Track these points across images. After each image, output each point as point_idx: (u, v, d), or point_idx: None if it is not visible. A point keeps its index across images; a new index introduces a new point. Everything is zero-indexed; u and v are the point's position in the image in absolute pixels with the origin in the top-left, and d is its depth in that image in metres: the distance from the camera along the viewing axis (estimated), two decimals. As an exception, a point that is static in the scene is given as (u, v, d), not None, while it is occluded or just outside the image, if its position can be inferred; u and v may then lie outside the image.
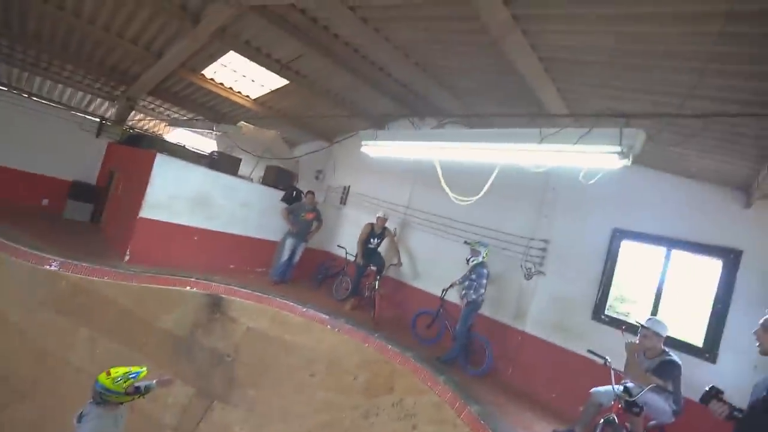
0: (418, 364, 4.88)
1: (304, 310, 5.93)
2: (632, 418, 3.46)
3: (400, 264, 6.82)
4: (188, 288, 5.79)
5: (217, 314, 5.76)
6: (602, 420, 3.43)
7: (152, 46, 6.64)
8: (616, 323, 4.62)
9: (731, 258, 4.06)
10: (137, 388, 2.96)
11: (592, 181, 2.94)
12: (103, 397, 2.81)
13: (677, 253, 4.55)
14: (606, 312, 4.90)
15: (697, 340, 4.22)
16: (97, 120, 8.63)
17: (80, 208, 7.99)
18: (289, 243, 6.99)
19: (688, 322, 5.08)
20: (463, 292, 5.30)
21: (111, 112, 9.14)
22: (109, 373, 2.85)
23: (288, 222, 6.92)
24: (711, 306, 4.16)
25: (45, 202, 7.97)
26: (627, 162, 2.68)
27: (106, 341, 4.95)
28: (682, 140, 3.16)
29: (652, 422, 3.63)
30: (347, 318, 5.90)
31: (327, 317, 5.83)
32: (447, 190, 3.89)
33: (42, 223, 6.95)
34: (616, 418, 3.36)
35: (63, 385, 4.50)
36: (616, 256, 4.91)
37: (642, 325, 3.67)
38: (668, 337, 3.74)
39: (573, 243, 5.24)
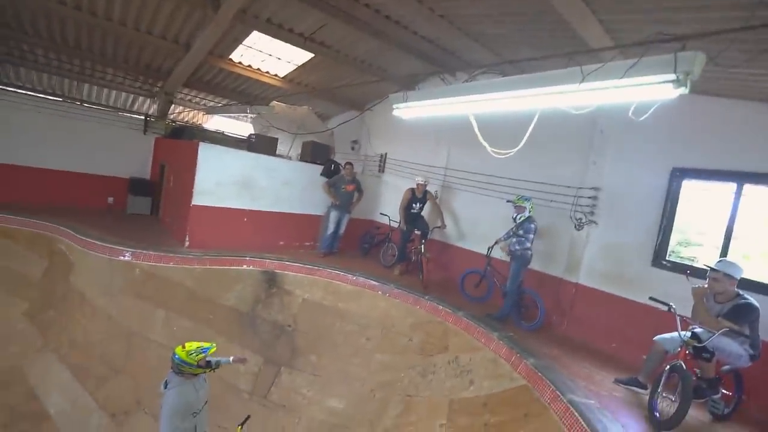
0: (471, 323, 4.94)
1: (354, 278, 6.13)
2: (702, 363, 3.32)
3: (444, 226, 6.78)
4: (244, 266, 6.17)
5: (274, 288, 6.12)
6: (668, 366, 3.31)
7: (180, 38, 6.79)
8: (680, 268, 4.34)
9: (816, 187, 3.61)
10: (208, 362, 3.28)
11: (643, 117, 2.67)
12: (180, 368, 3.15)
13: (750, 188, 4.11)
14: (668, 257, 4.62)
15: (775, 278, 3.89)
16: (142, 117, 9.12)
17: (140, 203, 8.65)
18: (334, 215, 7.15)
19: (760, 264, 4.68)
20: (510, 246, 5.21)
21: (153, 109, 9.60)
22: (184, 347, 3.18)
23: (330, 195, 7.05)
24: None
25: (110, 200, 8.69)
26: (684, 90, 2.37)
27: (179, 319, 5.46)
28: (749, 59, 2.76)
29: (726, 367, 3.46)
30: (396, 283, 6.03)
31: (377, 283, 6.00)
32: (485, 144, 3.72)
33: (110, 219, 7.63)
34: (683, 364, 3.22)
35: (150, 359, 5.07)
36: (677, 197, 4.55)
37: (711, 268, 3.42)
38: (743, 279, 3.48)
39: (627, 188, 4.91)
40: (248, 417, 3.73)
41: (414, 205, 6.77)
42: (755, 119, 3.98)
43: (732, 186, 4.18)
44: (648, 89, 2.56)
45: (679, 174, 4.52)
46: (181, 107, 10.44)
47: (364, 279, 6.10)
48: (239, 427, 3.62)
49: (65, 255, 6.02)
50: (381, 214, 8.02)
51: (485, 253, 5.80)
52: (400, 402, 4.72)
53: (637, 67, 2.50)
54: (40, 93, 8.63)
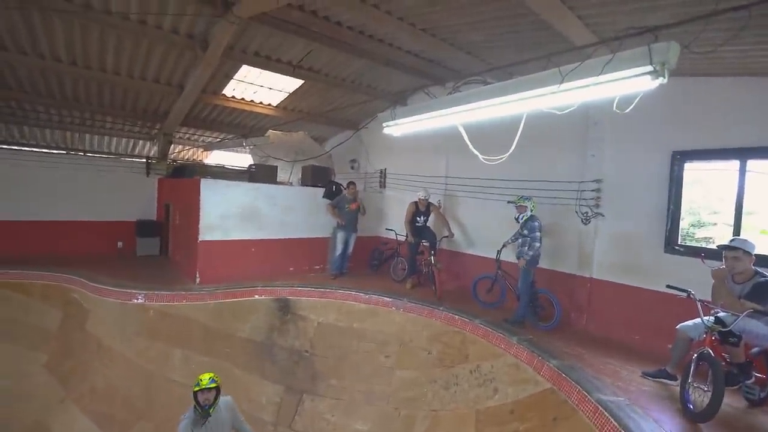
0: (489, 329, 4.87)
1: (367, 296, 6.10)
2: (730, 348, 3.22)
3: (451, 235, 6.76)
4: (256, 296, 6.18)
5: (288, 315, 6.10)
6: (695, 355, 3.22)
7: (173, 80, 6.98)
8: (694, 251, 4.26)
9: (820, 155, 3.56)
10: (211, 403, 3.22)
11: (628, 109, 2.69)
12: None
13: (754, 163, 4.06)
14: (680, 242, 4.55)
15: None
16: (144, 160, 9.31)
17: (149, 244, 8.75)
18: (341, 236, 7.17)
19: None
20: (518, 249, 5.18)
21: (154, 151, 9.80)
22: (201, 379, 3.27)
23: (334, 216, 7.09)
24: (804, 212, 3.71)
25: (120, 244, 8.81)
26: (663, 80, 2.38)
27: (197, 356, 5.46)
28: (731, 36, 2.76)
29: (755, 349, 3.36)
30: (409, 297, 5.99)
31: (390, 299, 5.96)
32: (476, 152, 3.75)
33: (121, 263, 7.73)
34: (711, 351, 3.13)
35: (171, 399, 5.05)
36: (681, 180, 4.50)
37: (728, 247, 3.34)
38: (761, 256, 3.40)
39: (629, 177, 4.87)
40: None
41: (418, 218, 6.77)
42: (749, 94, 3.96)
43: (735, 163, 4.13)
44: (627, 83, 2.59)
45: (679, 157, 4.48)
46: (180, 146, 10.64)
47: (377, 296, 6.07)
48: None
49: (80, 304, 6.09)
50: (387, 229, 8.02)
51: (495, 257, 5.76)
52: (426, 417, 4.63)
53: (613, 62, 2.52)
54: (44, 148, 8.88)
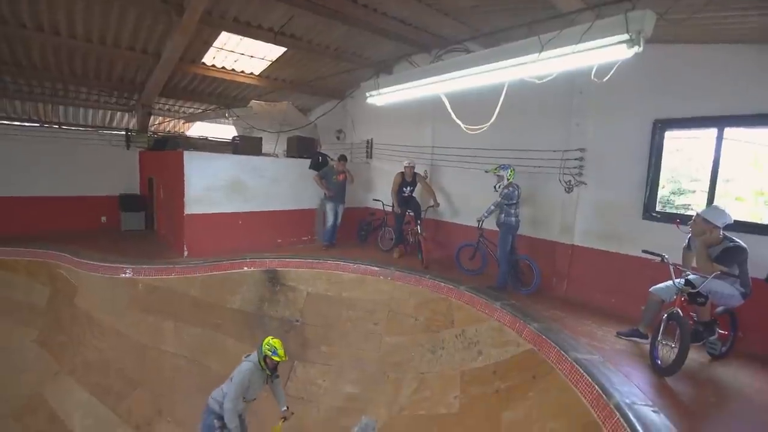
0: (473, 295, 5.04)
1: (355, 266, 6.20)
2: (697, 308, 3.43)
3: (437, 205, 6.83)
4: (245, 268, 6.23)
5: (278, 286, 6.19)
6: (665, 315, 3.41)
7: (148, 47, 6.68)
8: (670, 218, 4.42)
9: (793, 122, 3.66)
10: (274, 367, 3.73)
11: (605, 78, 2.71)
12: (257, 352, 3.68)
13: (731, 131, 4.16)
14: (658, 209, 4.70)
15: (765, 218, 3.97)
16: (123, 133, 9.02)
17: (134, 218, 8.64)
18: (330, 207, 7.21)
19: (753, 203, 4.77)
20: (490, 215, 5.33)
21: (133, 123, 9.49)
22: (272, 339, 3.70)
23: (322, 187, 7.07)
24: (775, 179, 3.85)
25: (104, 219, 8.67)
26: (638, 49, 2.40)
27: (188, 328, 5.55)
28: (708, 1, 2.76)
29: (720, 308, 3.58)
30: (397, 265, 6.11)
31: (378, 268, 6.07)
32: (459, 122, 3.76)
33: (106, 238, 7.64)
34: (680, 311, 3.33)
35: (165, 370, 5.19)
36: (661, 149, 4.59)
37: (697, 215, 3.50)
38: (738, 222, 3.56)
39: (612, 145, 4.94)
40: (285, 418, 3.89)
41: (405, 188, 6.80)
42: (728, 62, 3.99)
43: (713, 131, 4.22)
44: (604, 51, 2.60)
45: (660, 125, 4.55)
46: (161, 118, 10.32)
47: (365, 266, 6.18)
48: (280, 424, 3.86)
49: (67, 279, 6.06)
50: (374, 200, 8.06)
51: (477, 225, 5.87)
52: (414, 380, 4.85)
53: (592, 30, 2.52)
54: (15, 121, 8.51)
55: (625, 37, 2.36)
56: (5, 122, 8.21)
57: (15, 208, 7.61)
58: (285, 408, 3.89)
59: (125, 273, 5.79)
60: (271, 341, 3.69)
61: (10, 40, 6.08)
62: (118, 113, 9.62)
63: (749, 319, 3.66)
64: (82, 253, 6.21)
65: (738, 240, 3.40)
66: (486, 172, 5.61)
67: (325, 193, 7.11)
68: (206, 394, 3.88)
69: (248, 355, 3.78)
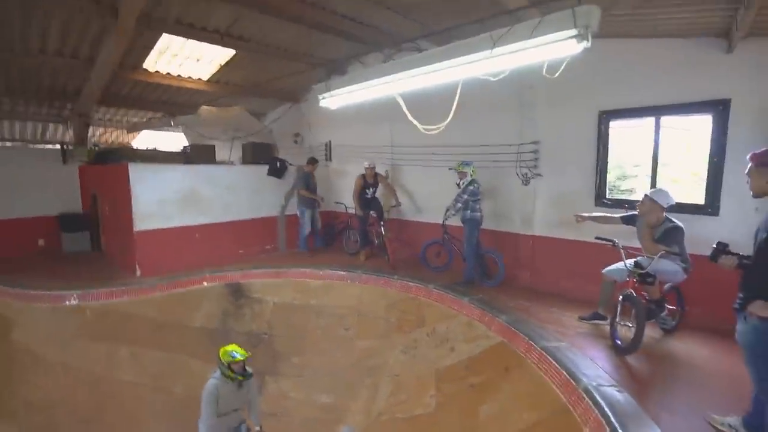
0: (442, 292, 5.09)
1: (321, 272, 6.08)
2: (647, 287, 3.64)
3: (399, 204, 6.85)
4: (205, 284, 5.93)
5: (242, 299, 5.94)
6: (621, 296, 3.60)
7: (80, 52, 6.15)
8: (619, 204, 4.68)
9: (720, 109, 3.96)
10: (244, 371, 3.59)
11: (556, 74, 2.80)
12: (218, 366, 3.55)
13: (667, 120, 4.46)
14: (608, 196, 4.95)
15: (700, 198, 4.28)
16: (58, 146, 8.28)
17: (77, 239, 7.96)
18: (308, 213, 7.22)
19: (689, 184, 5.14)
20: (458, 213, 5.41)
21: (69, 135, 8.74)
22: (225, 346, 3.62)
23: (312, 196, 7.16)
24: (707, 161, 4.16)
25: (41, 242, 7.93)
26: (587, 44, 2.51)
27: (148, 352, 5.18)
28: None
29: (667, 285, 3.82)
30: (364, 268, 6.06)
31: (345, 273, 5.99)
32: (415, 122, 3.76)
33: (45, 263, 6.99)
34: (633, 291, 3.52)
35: (125, 401, 4.81)
36: (607, 138, 4.84)
37: (645, 196, 3.71)
38: (679, 204, 3.80)
39: (563, 137, 5.15)
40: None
41: (367, 190, 6.77)
42: (663, 55, 4.26)
43: (651, 120, 4.51)
44: (555, 47, 2.68)
45: (605, 116, 4.80)
46: (101, 128, 9.59)
47: (332, 271, 6.08)
48: None
49: (0, 314, 5.46)
50: (336, 202, 7.94)
51: (441, 222, 5.93)
52: (389, 382, 4.82)
53: (541, 26, 2.59)
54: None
55: (574, 32, 2.44)
56: None
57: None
58: (258, 428, 3.73)
59: (70, 300, 5.32)
60: (226, 348, 3.60)
61: None
62: (51, 125, 8.83)
63: (693, 295, 3.94)
64: (17, 283, 5.63)
65: (676, 220, 3.64)
66: (450, 169, 5.67)
67: (300, 200, 7.17)
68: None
69: (213, 372, 3.67)
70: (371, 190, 6.80)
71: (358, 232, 7.09)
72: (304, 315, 5.75)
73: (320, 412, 4.90)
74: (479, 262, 5.55)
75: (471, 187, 5.28)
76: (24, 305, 5.33)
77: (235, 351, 3.55)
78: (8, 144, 8.24)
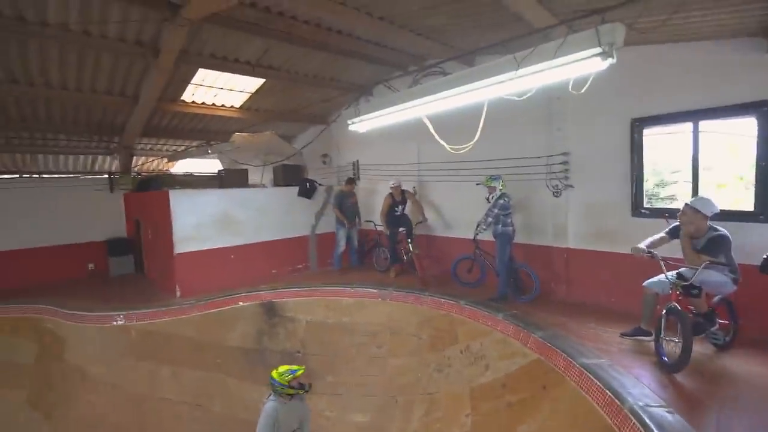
0: (474, 309, 4.99)
1: (353, 290, 6.12)
2: (693, 300, 3.45)
3: (425, 220, 6.86)
4: (240, 303, 6.10)
5: (275, 318, 6.06)
6: (664, 310, 3.42)
7: (126, 90, 6.66)
8: (658, 213, 4.49)
9: (765, 111, 3.78)
10: (301, 385, 3.64)
11: (582, 90, 2.78)
12: (275, 389, 3.55)
13: (706, 124, 4.29)
14: (645, 205, 4.77)
15: (748, 204, 4.05)
16: (106, 176, 8.90)
17: (123, 263, 8.45)
18: (342, 233, 7.43)
19: (736, 189, 4.88)
20: (489, 227, 5.34)
21: (115, 165, 9.38)
22: (276, 369, 3.63)
23: (341, 217, 7.35)
24: (755, 165, 3.95)
25: (91, 266, 8.46)
26: (612, 60, 2.49)
27: (187, 371, 5.36)
28: (679, 5, 2.87)
29: (716, 297, 3.60)
30: (395, 286, 6.06)
31: (376, 290, 6.00)
32: (442, 142, 3.81)
33: (94, 286, 7.44)
34: (677, 305, 3.34)
35: (165, 419, 4.97)
36: (641, 146, 4.70)
37: (686, 205, 3.54)
38: (723, 211, 3.62)
39: (594, 147, 5.04)
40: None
41: (396, 208, 6.85)
42: (696, 58, 4.14)
43: (688, 126, 4.35)
44: (579, 65, 2.67)
45: (638, 124, 4.67)
46: (143, 158, 10.22)
47: (363, 288, 6.11)
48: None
49: (54, 333, 5.84)
50: (366, 221, 8.03)
51: (472, 238, 5.88)
52: (423, 401, 4.74)
53: (565, 45, 2.60)
54: (-7, 174, 8.36)
55: (598, 50, 2.43)
56: (-18, 177, 8.06)
57: (-3, 263, 7.38)
58: None
59: (116, 321, 5.62)
60: (279, 369, 3.63)
61: (-16, 94, 6.02)
62: (100, 157, 9.50)
63: (748, 307, 3.68)
64: (69, 305, 6.01)
65: (721, 228, 3.45)
66: (477, 185, 5.65)
67: (337, 219, 7.33)
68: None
69: (269, 396, 3.66)
70: (400, 207, 6.87)
71: (387, 250, 7.13)
72: (336, 333, 5.78)
73: (356, 430, 4.87)
74: (513, 277, 5.43)
75: (501, 201, 5.23)
76: (75, 326, 5.68)
77: (292, 368, 3.61)
78: (62, 176, 8.91)
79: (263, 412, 3.54)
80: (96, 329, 5.59)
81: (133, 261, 8.55)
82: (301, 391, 3.64)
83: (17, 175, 8.41)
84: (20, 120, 7.07)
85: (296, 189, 7.70)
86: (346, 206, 7.37)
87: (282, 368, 3.63)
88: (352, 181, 7.51)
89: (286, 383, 3.53)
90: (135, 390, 5.21)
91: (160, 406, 5.11)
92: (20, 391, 5.56)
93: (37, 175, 8.69)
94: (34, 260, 7.77)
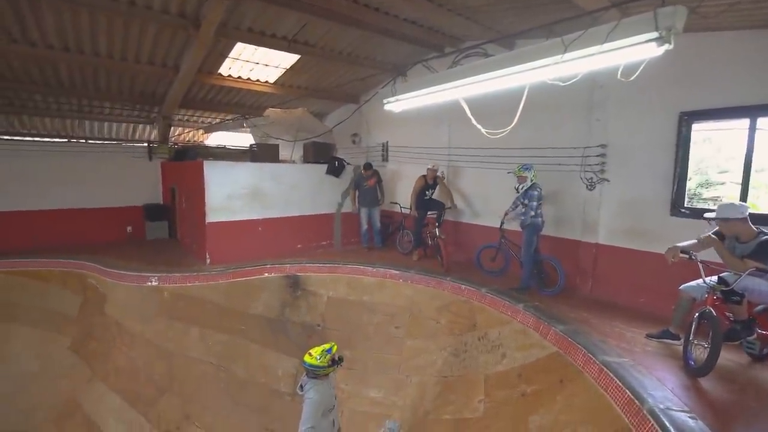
0: (495, 297, 4.97)
1: (374, 269, 6.21)
2: (732, 306, 3.28)
3: (454, 206, 6.79)
4: (266, 274, 6.31)
5: (299, 291, 6.25)
6: (697, 314, 3.28)
7: (168, 61, 6.85)
8: (699, 213, 4.25)
9: (833, 109, 3.47)
10: (335, 360, 3.56)
11: (633, 77, 2.61)
12: (315, 373, 3.47)
13: (765, 121, 3.97)
14: (686, 204, 4.53)
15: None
16: (145, 144, 9.29)
17: (158, 227, 8.88)
18: (363, 213, 7.56)
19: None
20: (516, 218, 5.26)
21: (154, 134, 9.76)
22: (311, 354, 3.49)
23: (353, 200, 7.51)
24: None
25: (129, 229, 8.95)
26: (669, 46, 2.29)
27: (214, 334, 5.65)
28: None
29: (759, 307, 3.40)
30: (417, 268, 6.09)
31: (397, 272, 6.06)
32: (479, 126, 3.71)
33: (132, 248, 7.88)
34: (712, 309, 3.19)
35: (192, 376, 5.30)
36: (688, 142, 4.42)
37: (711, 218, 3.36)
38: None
39: (635, 140, 4.79)
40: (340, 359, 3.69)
41: (427, 191, 6.81)
42: (759, 49, 3.81)
43: (745, 122, 4.05)
44: (632, 50, 2.49)
45: (687, 118, 4.39)
46: (180, 128, 10.57)
47: (385, 269, 6.18)
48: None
49: (96, 288, 6.27)
50: (391, 203, 8.05)
51: (498, 226, 5.79)
52: (437, 384, 4.82)
53: (618, 29, 2.43)
54: (45, 137, 8.88)
55: (655, 35, 2.26)
56: (36, 139, 8.58)
57: (45, 221, 7.93)
58: None
59: (151, 281, 5.95)
60: (313, 353, 3.48)
61: (39, 61, 6.35)
62: (140, 126, 9.90)
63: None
64: (109, 263, 6.42)
65: None
66: (509, 173, 5.52)
67: (357, 199, 7.46)
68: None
69: (304, 382, 3.52)
70: (431, 191, 6.83)
71: (412, 232, 7.14)
72: (356, 310, 5.91)
73: (369, 405, 5.02)
74: (537, 269, 5.34)
75: (534, 192, 5.11)
76: (115, 283, 6.07)
77: (325, 347, 3.51)
78: (106, 142, 9.36)
79: (308, 402, 3.41)
80: (133, 288, 5.96)
81: (167, 226, 8.97)
82: (337, 366, 3.58)
83: (66, 140, 8.90)
84: (70, 86, 7.44)
85: (325, 167, 7.78)
86: (363, 188, 7.39)
87: (315, 351, 3.50)
88: (369, 167, 7.44)
89: (326, 363, 3.43)
90: (166, 346, 5.55)
91: (187, 363, 5.43)
92: (65, 338, 6.06)
93: (84, 141, 9.16)
94: (79, 220, 8.29)
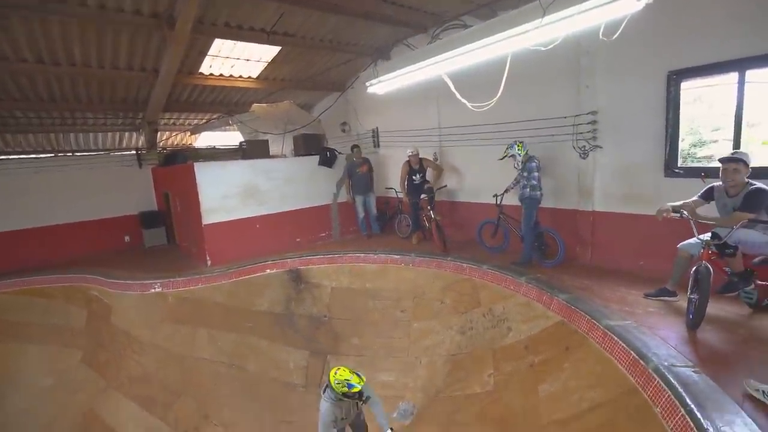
0: (497, 273, 5.01)
1: (375, 256, 6.24)
2: (728, 259, 3.32)
3: (444, 185, 6.79)
4: (268, 271, 6.34)
5: (302, 285, 6.29)
6: (693, 270, 3.31)
7: (146, 64, 6.72)
8: (694, 172, 4.26)
9: (821, 55, 3.44)
10: (359, 394, 3.33)
11: (614, 36, 2.58)
12: (329, 388, 3.38)
13: (753, 74, 3.93)
14: (680, 165, 4.53)
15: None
16: (133, 152, 9.19)
17: (156, 234, 8.87)
18: (359, 200, 7.52)
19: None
20: (520, 192, 5.25)
21: (141, 141, 9.64)
22: (336, 372, 3.30)
23: (348, 188, 7.50)
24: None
25: (127, 239, 8.92)
26: (649, 0, 2.26)
27: (222, 334, 5.71)
28: None
29: (757, 258, 3.44)
30: (417, 252, 6.12)
31: (398, 256, 6.09)
32: (463, 100, 3.67)
33: (131, 256, 7.89)
34: (707, 263, 3.22)
35: (204, 377, 5.37)
36: (678, 101, 4.39)
37: (729, 159, 3.29)
38: (757, 167, 3.41)
39: (625, 104, 4.76)
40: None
41: (414, 176, 6.79)
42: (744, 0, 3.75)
43: (733, 76, 4.01)
44: (612, 6, 2.45)
45: (675, 77, 4.34)
46: (167, 132, 10.43)
47: (386, 255, 6.21)
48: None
49: (101, 300, 6.29)
50: (386, 188, 8.03)
51: (495, 202, 5.80)
52: (447, 362, 4.89)
53: None
54: (31, 154, 8.76)
55: (633, -12, 2.23)
56: (22, 156, 8.46)
57: (40, 238, 7.88)
58: (389, 430, 3.40)
59: (154, 288, 5.98)
60: (338, 375, 3.26)
61: (15, 75, 6.21)
62: (126, 133, 9.76)
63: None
64: (111, 274, 6.43)
65: (757, 182, 3.24)
66: (499, 159, 5.50)
67: (351, 187, 7.43)
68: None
69: (324, 390, 3.45)
70: (419, 175, 6.81)
71: (409, 216, 7.15)
72: (361, 298, 5.96)
73: (381, 389, 5.08)
74: (537, 242, 5.37)
75: (532, 164, 5.13)
76: (119, 293, 6.09)
77: (349, 381, 3.22)
78: (93, 153, 9.25)
79: (322, 413, 3.38)
80: (137, 296, 5.98)
81: (164, 232, 8.95)
82: (356, 401, 3.38)
83: (53, 155, 8.78)
84: (50, 100, 7.31)
85: (317, 158, 7.73)
86: (356, 175, 7.36)
87: (342, 375, 3.26)
88: (356, 147, 7.45)
89: (339, 392, 3.27)
90: (176, 350, 5.61)
91: (199, 365, 5.50)
92: (76, 351, 6.11)
93: (71, 153, 9.04)
94: (77, 234, 8.27)
